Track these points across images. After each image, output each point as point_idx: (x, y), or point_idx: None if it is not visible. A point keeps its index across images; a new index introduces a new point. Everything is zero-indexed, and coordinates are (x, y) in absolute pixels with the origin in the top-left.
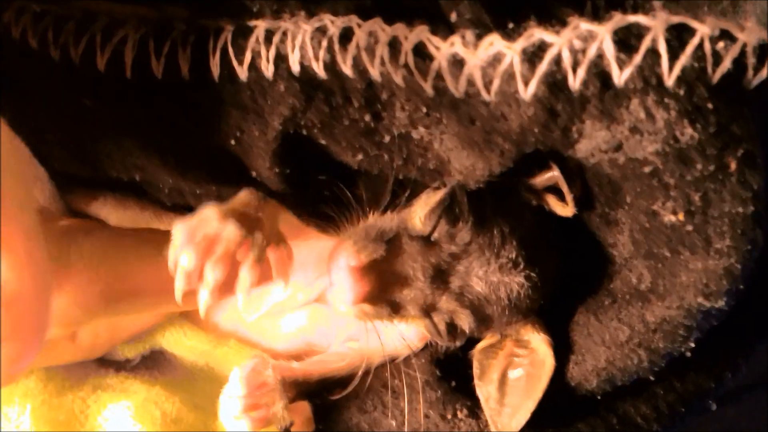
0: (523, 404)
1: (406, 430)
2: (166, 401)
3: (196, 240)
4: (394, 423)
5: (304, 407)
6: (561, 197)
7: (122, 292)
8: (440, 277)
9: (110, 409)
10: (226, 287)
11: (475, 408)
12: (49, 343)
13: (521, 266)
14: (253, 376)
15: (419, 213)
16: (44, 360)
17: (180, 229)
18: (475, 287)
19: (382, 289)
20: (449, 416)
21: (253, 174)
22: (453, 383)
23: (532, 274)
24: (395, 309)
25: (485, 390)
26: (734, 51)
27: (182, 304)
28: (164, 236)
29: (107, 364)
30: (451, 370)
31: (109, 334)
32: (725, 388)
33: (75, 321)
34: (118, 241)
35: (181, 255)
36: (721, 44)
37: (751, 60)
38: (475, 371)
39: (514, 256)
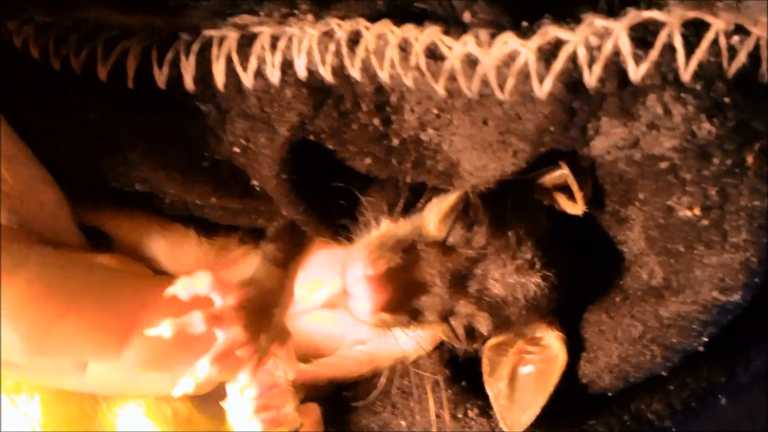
0: (533, 400)
1: (416, 430)
2: (178, 401)
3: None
4: (404, 423)
5: (314, 409)
6: (571, 196)
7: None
8: (458, 281)
9: (121, 406)
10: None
11: (486, 407)
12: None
13: (537, 266)
14: (264, 378)
15: (433, 218)
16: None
17: (205, 283)
18: (493, 290)
19: (401, 297)
20: (460, 415)
21: (255, 184)
22: (464, 383)
23: (549, 274)
24: (414, 316)
25: (495, 387)
26: (749, 45)
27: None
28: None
29: None
30: (462, 370)
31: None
32: (735, 384)
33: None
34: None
35: (193, 314)
36: (736, 39)
37: (766, 54)
38: (485, 368)
39: (530, 256)
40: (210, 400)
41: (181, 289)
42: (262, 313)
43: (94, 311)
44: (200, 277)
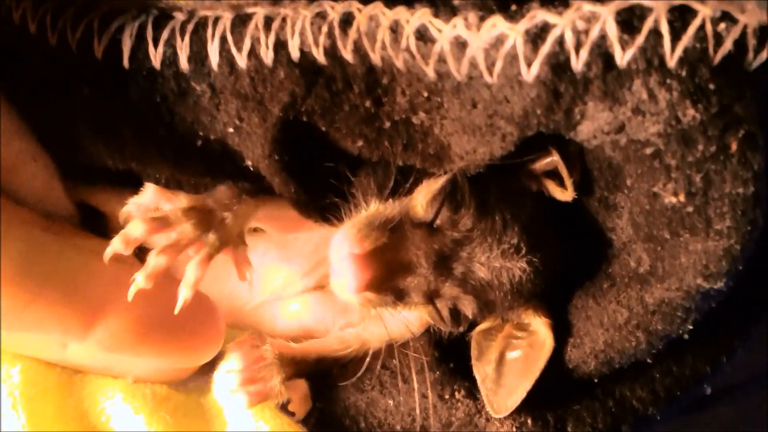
0: (520, 384)
1: (402, 409)
2: (155, 382)
3: (154, 215)
4: (391, 402)
5: (302, 385)
6: (560, 182)
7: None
8: (443, 263)
9: (98, 383)
10: (167, 282)
11: (473, 389)
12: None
13: (523, 251)
14: (250, 351)
15: (421, 200)
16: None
17: (148, 192)
18: (478, 273)
19: (386, 276)
20: (447, 396)
21: (249, 164)
22: (451, 365)
23: (534, 259)
24: (399, 296)
25: (482, 370)
26: (735, 32)
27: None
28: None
29: None
30: (450, 352)
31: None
32: (723, 382)
33: None
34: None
35: (132, 222)
36: (722, 26)
37: (752, 42)
38: (473, 352)
39: (516, 241)
40: (188, 376)
41: (132, 206)
42: (213, 216)
43: (63, 296)
44: (145, 190)
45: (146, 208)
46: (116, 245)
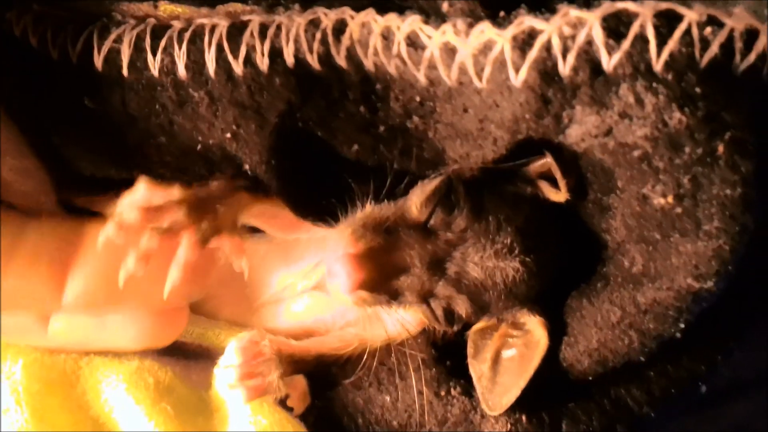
0: (515, 383)
1: (400, 406)
2: (159, 370)
3: (147, 206)
4: (388, 399)
5: (300, 381)
6: (555, 184)
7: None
8: (437, 263)
9: (103, 372)
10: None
11: (468, 387)
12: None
13: (517, 252)
14: (249, 347)
15: (415, 201)
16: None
17: (141, 189)
18: (472, 273)
19: (380, 276)
20: (443, 393)
21: (247, 168)
22: (448, 363)
23: (528, 260)
24: (393, 296)
25: (478, 368)
26: (722, 37)
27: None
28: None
29: None
30: (447, 351)
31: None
32: (736, 379)
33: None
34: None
35: (126, 210)
36: (708, 30)
37: (739, 45)
38: (470, 350)
39: (509, 242)
40: (191, 370)
41: (125, 204)
42: (206, 205)
43: (28, 266)
44: (137, 187)
45: (140, 204)
46: (109, 231)
